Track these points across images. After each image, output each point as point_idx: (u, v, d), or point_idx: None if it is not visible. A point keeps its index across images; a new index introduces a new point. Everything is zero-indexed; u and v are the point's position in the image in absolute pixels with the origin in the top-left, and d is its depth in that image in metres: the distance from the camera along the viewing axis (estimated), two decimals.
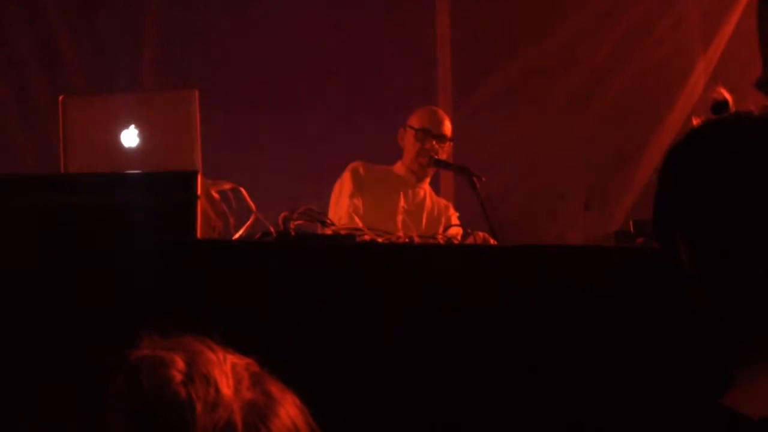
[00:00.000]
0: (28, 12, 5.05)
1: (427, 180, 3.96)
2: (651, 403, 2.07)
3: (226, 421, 1.01)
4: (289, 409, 1.06)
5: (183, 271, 2.26)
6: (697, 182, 1.12)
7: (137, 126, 2.55)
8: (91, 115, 2.62)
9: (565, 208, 5.19)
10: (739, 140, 1.11)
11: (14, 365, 2.22)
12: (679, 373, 2.02)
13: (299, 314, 2.23)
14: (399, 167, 3.94)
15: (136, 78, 5.08)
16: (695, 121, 1.17)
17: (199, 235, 2.29)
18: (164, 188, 2.33)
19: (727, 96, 1.15)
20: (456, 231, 3.21)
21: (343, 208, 3.75)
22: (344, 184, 3.83)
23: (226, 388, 1.03)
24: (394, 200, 3.82)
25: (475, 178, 3.48)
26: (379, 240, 2.57)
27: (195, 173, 2.34)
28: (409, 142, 3.90)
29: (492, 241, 2.98)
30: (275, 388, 1.08)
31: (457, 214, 3.90)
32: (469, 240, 2.96)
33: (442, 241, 2.76)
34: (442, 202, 4.01)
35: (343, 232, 2.63)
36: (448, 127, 3.90)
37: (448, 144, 3.90)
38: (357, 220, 3.58)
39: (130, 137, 2.56)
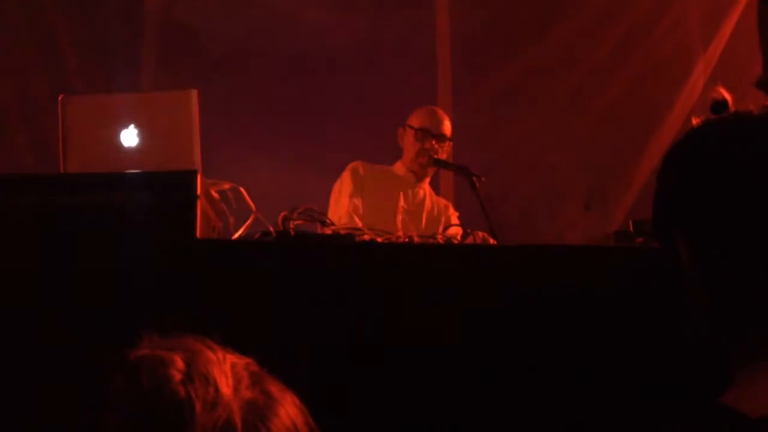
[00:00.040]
0: (28, 12, 5.05)
1: (427, 180, 3.96)
2: (651, 402, 2.07)
3: (226, 421, 1.01)
4: (288, 408, 1.06)
5: (183, 270, 2.25)
6: (696, 182, 1.12)
7: (137, 126, 2.55)
8: (91, 115, 2.61)
9: (565, 208, 5.19)
10: (739, 140, 1.11)
11: (14, 365, 2.21)
12: (679, 373, 2.02)
13: (299, 314, 2.23)
14: (399, 167, 3.94)
15: (136, 78, 5.08)
16: (695, 121, 1.17)
17: (198, 234, 2.29)
18: (164, 188, 2.33)
19: (727, 96, 1.15)
20: (456, 231, 3.20)
21: (342, 207, 3.75)
22: (344, 184, 3.83)
23: (226, 388, 1.03)
24: (394, 200, 3.81)
25: (474, 178, 3.48)
26: (379, 240, 2.57)
27: (195, 173, 2.34)
28: (408, 141, 3.89)
29: (492, 241, 2.98)
30: (275, 388, 1.08)
31: (457, 213, 3.90)
32: (469, 240, 2.95)
33: (441, 241, 2.75)
34: (442, 201, 4.00)
35: (342, 232, 2.62)
36: (447, 127, 3.90)
37: (447, 144, 3.90)
38: (357, 219, 3.58)
39: (129, 137, 2.55)
